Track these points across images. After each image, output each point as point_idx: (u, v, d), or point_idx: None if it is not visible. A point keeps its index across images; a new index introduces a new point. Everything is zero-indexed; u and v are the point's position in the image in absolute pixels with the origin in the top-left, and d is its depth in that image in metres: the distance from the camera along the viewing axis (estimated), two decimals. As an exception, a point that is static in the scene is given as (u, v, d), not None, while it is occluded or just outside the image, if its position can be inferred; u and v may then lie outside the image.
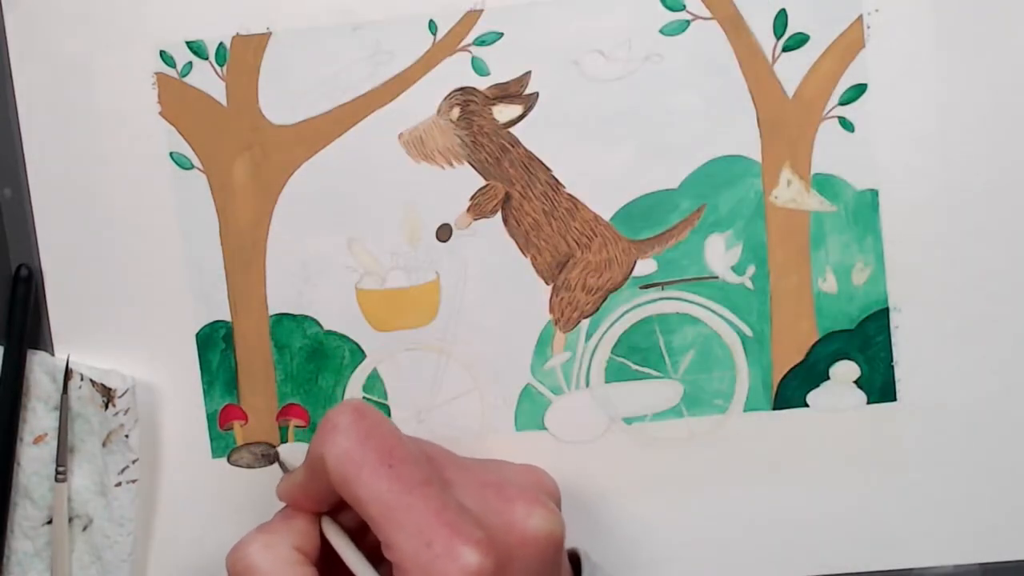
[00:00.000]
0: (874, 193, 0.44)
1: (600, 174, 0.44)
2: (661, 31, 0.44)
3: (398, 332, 0.45)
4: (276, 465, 0.44)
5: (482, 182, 0.45)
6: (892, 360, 0.44)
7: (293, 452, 0.41)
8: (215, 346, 0.46)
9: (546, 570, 0.36)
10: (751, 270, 0.44)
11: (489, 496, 0.36)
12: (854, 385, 0.45)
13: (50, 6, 0.45)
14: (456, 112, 0.44)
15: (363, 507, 0.34)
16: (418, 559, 0.33)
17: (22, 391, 0.45)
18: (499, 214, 0.45)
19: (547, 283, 0.45)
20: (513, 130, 0.44)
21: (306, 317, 0.45)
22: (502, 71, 0.44)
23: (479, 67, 0.44)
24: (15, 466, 0.45)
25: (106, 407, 0.44)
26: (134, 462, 0.45)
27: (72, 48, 0.45)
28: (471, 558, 0.32)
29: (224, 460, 0.46)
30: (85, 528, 0.45)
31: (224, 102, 0.45)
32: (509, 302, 0.45)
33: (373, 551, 0.36)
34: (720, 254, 0.44)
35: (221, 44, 0.44)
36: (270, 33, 0.44)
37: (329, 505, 0.38)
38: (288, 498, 0.38)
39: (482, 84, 0.44)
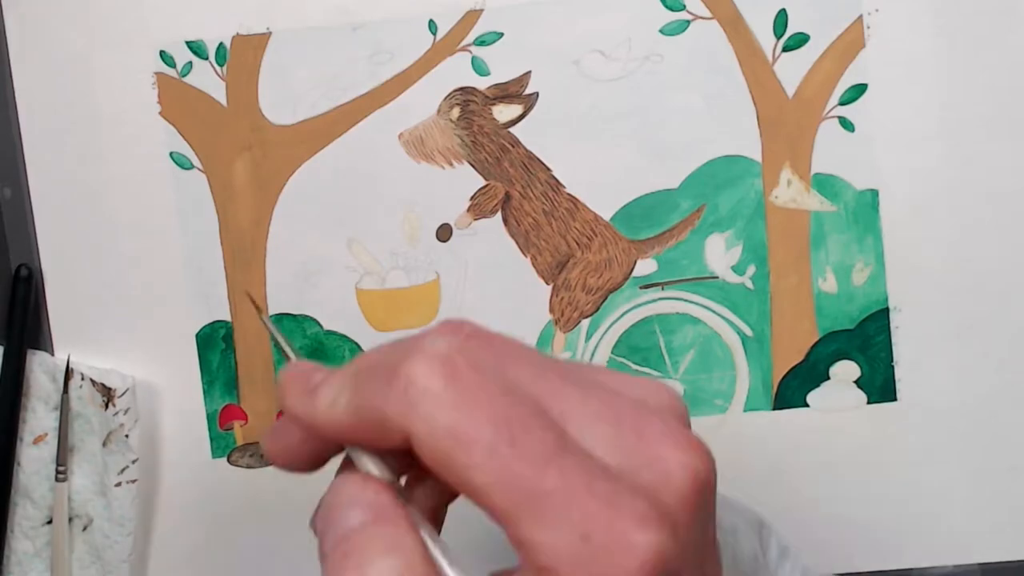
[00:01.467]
0: (874, 193, 0.44)
1: (600, 174, 0.44)
2: (661, 31, 0.44)
3: (398, 332, 0.45)
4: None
5: (482, 182, 0.45)
6: (892, 360, 0.44)
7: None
8: (215, 346, 0.45)
9: (711, 523, 0.27)
10: (751, 270, 0.44)
11: (626, 434, 0.26)
12: (854, 385, 0.45)
13: (50, 6, 0.45)
14: (456, 112, 0.44)
15: (480, 498, 0.25)
16: (577, 559, 0.24)
17: (22, 391, 0.45)
18: (499, 214, 0.45)
19: (547, 283, 0.45)
20: (513, 130, 0.44)
21: (306, 317, 0.45)
22: (502, 71, 0.44)
23: (479, 67, 0.44)
24: (15, 466, 0.45)
25: (106, 407, 0.44)
26: (134, 462, 0.45)
27: (72, 48, 0.45)
28: (645, 541, 0.23)
29: (224, 460, 0.46)
30: (85, 528, 0.45)
31: (224, 102, 0.45)
32: (509, 302, 0.45)
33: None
34: (720, 254, 0.44)
35: (221, 44, 0.44)
36: (270, 33, 0.44)
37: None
38: (286, 452, 0.27)
39: (482, 84, 0.44)
